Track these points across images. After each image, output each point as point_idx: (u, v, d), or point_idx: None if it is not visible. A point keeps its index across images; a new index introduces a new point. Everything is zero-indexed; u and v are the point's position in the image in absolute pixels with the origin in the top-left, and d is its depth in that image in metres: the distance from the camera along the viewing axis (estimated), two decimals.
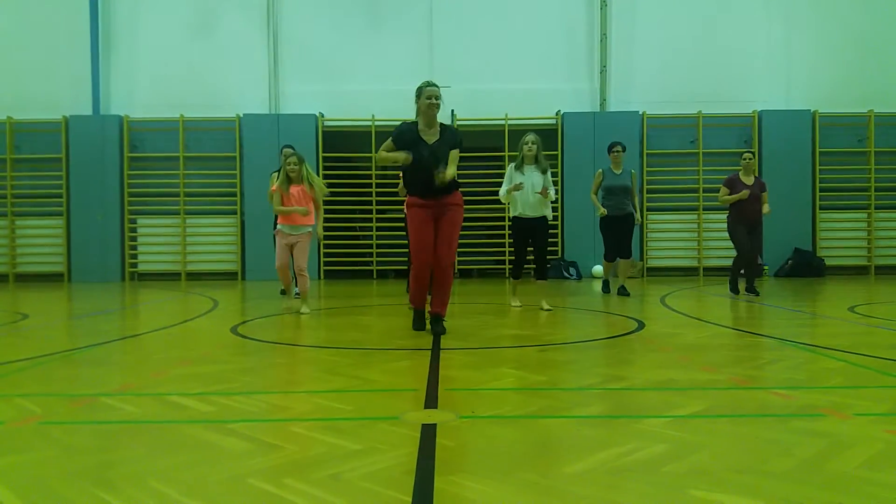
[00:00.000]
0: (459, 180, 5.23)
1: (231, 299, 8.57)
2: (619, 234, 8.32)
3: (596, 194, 8.54)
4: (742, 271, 8.36)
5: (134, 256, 12.96)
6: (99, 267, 12.58)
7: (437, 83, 5.10)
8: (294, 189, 6.63)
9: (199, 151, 12.81)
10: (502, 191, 6.97)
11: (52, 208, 12.82)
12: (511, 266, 7.34)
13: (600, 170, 8.49)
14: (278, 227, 6.81)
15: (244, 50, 12.87)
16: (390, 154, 5.07)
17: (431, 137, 5.04)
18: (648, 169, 12.72)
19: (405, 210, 5.63)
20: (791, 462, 2.08)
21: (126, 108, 12.86)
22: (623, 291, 8.31)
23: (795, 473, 1.99)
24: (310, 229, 6.84)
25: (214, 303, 7.92)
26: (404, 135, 5.05)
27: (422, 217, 5.05)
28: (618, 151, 8.33)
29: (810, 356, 4.10)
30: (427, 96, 4.98)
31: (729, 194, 8.19)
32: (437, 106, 5.00)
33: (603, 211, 8.22)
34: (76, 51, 12.73)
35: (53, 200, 12.80)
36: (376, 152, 12.89)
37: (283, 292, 7.33)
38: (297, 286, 8.71)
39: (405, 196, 5.60)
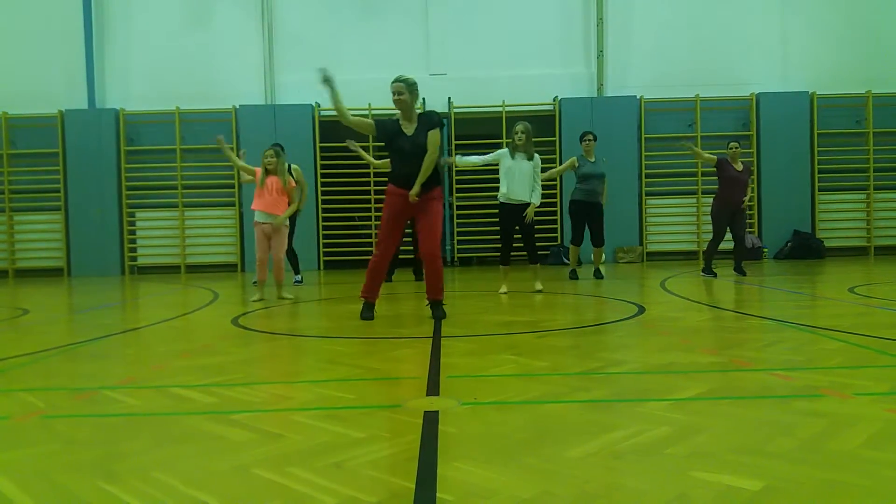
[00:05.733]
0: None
1: (231, 291, 8.57)
2: (591, 222, 8.55)
3: (560, 175, 8.85)
4: (734, 254, 8.78)
5: (133, 250, 12.96)
6: (98, 261, 12.57)
7: (404, 78, 5.13)
8: (270, 180, 6.97)
9: (195, 144, 12.76)
10: (479, 158, 7.03)
11: (49, 203, 12.80)
12: (500, 254, 7.28)
13: (574, 157, 8.65)
14: (255, 215, 7.05)
15: (239, 41, 12.80)
16: (361, 120, 5.17)
17: (410, 129, 5.15)
18: (647, 153, 12.70)
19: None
20: (792, 442, 2.09)
21: (122, 101, 12.81)
22: (598, 275, 8.66)
23: (796, 453, 2.00)
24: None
25: (214, 295, 7.92)
26: (386, 126, 5.20)
27: (397, 210, 5.18)
28: (589, 140, 8.57)
29: (810, 337, 4.11)
30: (392, 91, 5.08)
31: (717, 175, 8.57)
32: (403, 101, 5.07)
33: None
34: (70, 44, 12.66)
35: (51, 195, 12.78)
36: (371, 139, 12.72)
37: (256, 283, 7.38)
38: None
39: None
